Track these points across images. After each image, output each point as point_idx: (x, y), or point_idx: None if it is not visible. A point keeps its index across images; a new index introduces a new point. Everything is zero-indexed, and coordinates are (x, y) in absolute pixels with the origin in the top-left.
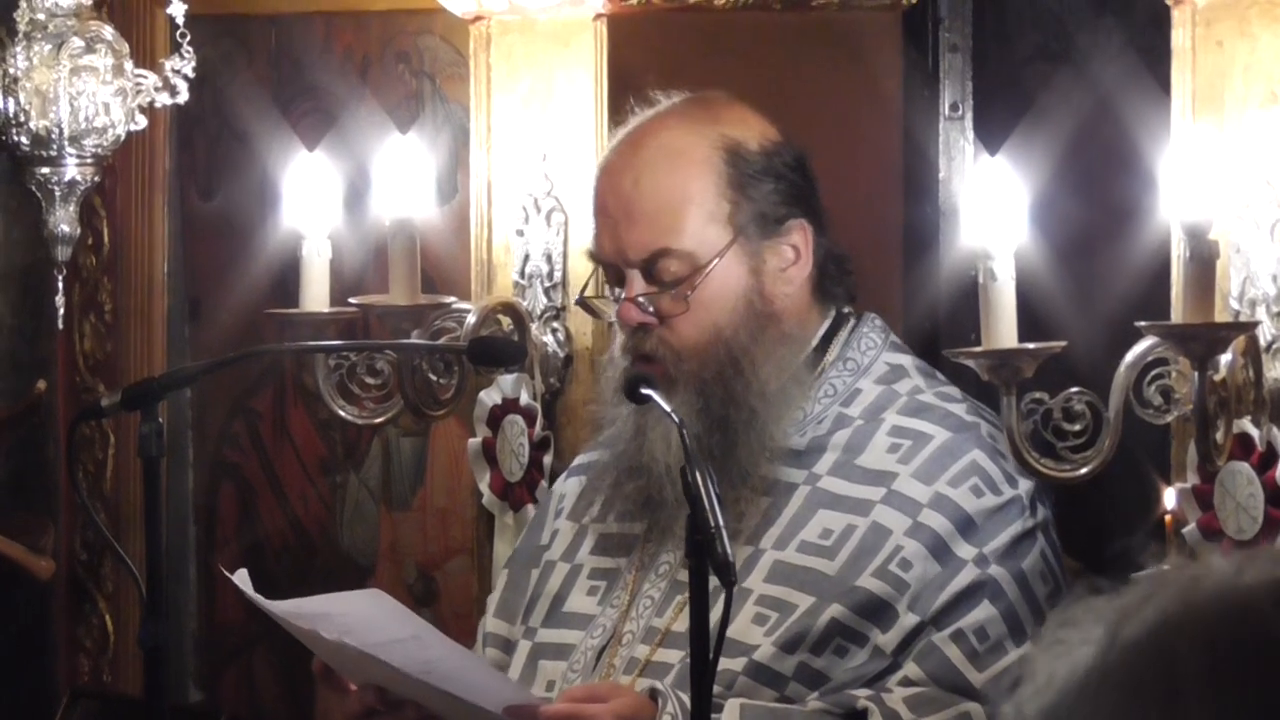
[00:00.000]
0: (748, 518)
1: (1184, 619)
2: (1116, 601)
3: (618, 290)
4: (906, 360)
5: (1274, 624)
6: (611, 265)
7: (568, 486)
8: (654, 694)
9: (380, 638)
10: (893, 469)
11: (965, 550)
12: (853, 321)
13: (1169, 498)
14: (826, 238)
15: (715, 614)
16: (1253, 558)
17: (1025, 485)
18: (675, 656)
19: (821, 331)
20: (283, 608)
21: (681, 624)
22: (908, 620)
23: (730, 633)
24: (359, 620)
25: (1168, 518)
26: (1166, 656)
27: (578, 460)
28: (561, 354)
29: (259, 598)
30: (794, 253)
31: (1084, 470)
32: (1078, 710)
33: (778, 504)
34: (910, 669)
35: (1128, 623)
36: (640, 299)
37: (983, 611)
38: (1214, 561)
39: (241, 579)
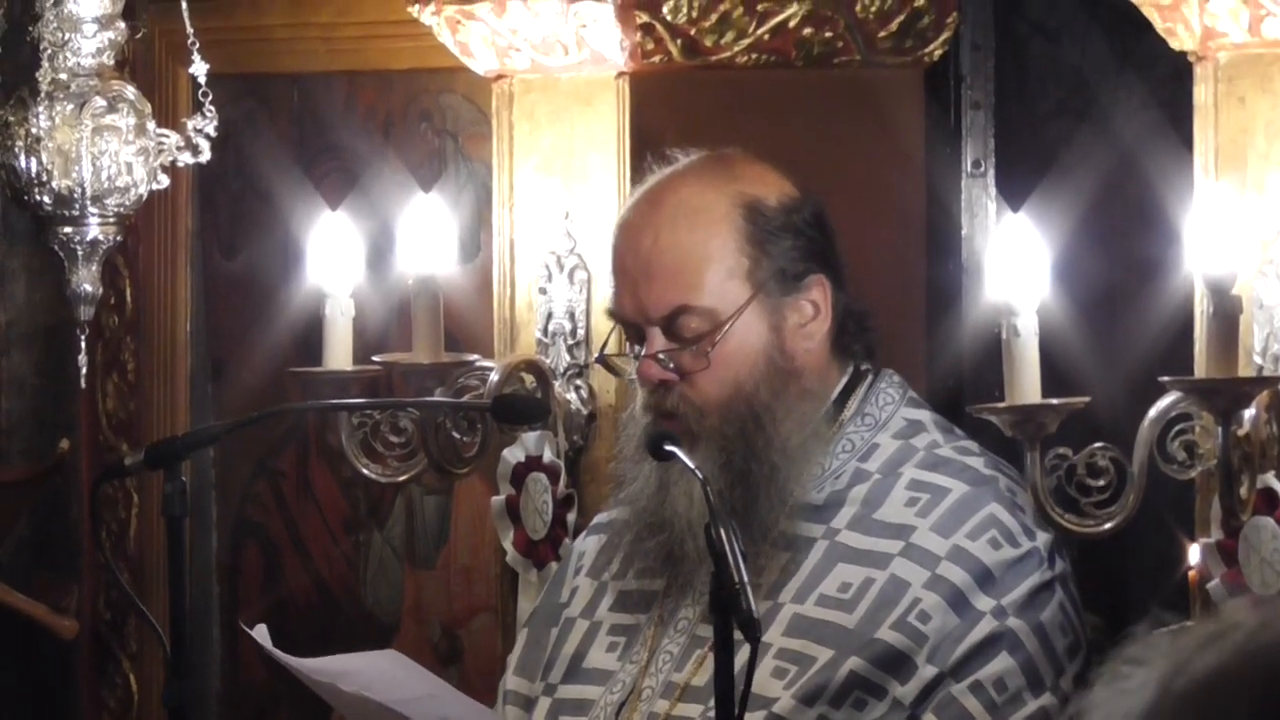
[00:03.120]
0: (767, 572)
1: (1233, 675)
2: (1174, 647)
3: (638, 348)
4: (924, 415)
5: None
6: (631, 323)
7: (587, 544)
8: None
9: (399, 694)
10: (911, 522)
11: (983, 602)
12: (870, 377)
13: (1193, 553)
14: (846, 293)
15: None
16: None
17: (1043, 538)
18: (695, 711)
19: (840, 387)
20: (302, 664)
21: (700, 678)
22: (926, 672)
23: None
24: (377, 678)
25: (1192, 573)
26: (1212, 713)
27: (596, 519)
28: (585, 411)
29: (278, 652)
30: (814, 308)
31: (1108, 525)
32: None
33: (796, 558)
34: None
35: (1179, 675)
36: (661, 356)
37: (1001, 663)
38: (1269, 614)
39: (261, 634)
